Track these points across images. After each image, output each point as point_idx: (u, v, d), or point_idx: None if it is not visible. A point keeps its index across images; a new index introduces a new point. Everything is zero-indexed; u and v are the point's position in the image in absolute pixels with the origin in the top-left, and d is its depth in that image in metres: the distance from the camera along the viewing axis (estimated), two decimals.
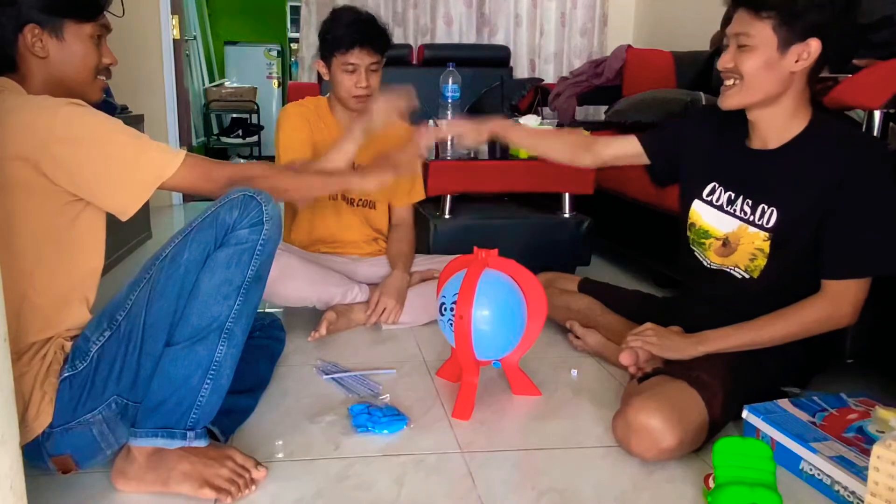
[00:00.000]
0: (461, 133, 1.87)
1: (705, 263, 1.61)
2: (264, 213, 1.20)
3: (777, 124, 1.47)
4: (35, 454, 1.18)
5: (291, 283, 1.99)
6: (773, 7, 1.36)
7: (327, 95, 2.22)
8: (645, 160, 1.76)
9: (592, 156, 1.81)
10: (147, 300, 1.18)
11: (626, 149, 1.78)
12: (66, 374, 1.19)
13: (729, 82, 1.46)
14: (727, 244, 1.56)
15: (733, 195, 1.56)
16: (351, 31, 2.00)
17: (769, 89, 1.42)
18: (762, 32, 1.38)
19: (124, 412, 1.21)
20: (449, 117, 2.60)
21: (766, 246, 1.49)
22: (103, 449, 1.22)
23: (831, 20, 1.35)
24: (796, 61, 1.38)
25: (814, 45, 1.36)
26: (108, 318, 1.21)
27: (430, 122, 2.67)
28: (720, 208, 1.58)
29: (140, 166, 1.17)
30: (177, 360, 1.19)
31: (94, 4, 1.24)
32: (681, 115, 2.75)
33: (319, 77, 2.49)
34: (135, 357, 1.19)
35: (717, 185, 1.59)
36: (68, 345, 1.22)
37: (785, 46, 1.38)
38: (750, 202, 1.52)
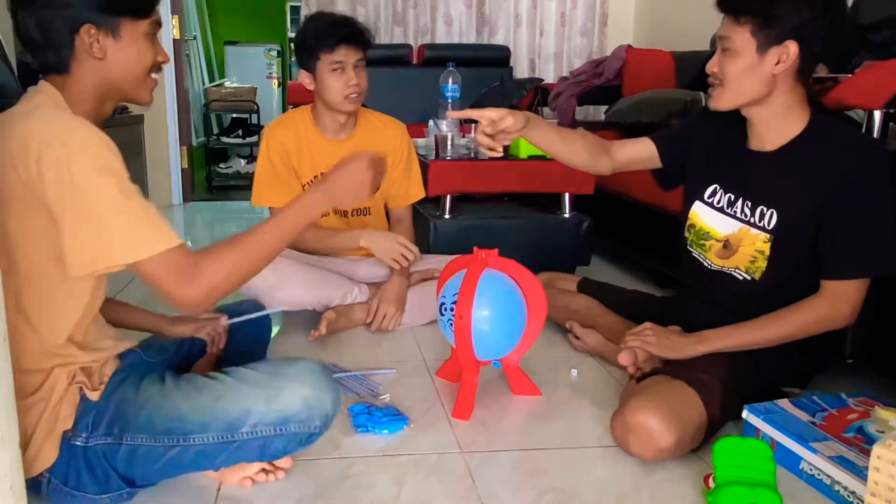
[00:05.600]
0: (503, 116, 1.53)
1: (706, 265, 1.61)
2: (312, 440, 1.21)
3: (772, 124, 1.48)
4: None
5: (290, 288, 1.97)
6: (750, 12, 1.38)
7: (311, 105, 2.17)
8: (657, 164, 1.72)
9: (610, 160, 1.71)
10: (157, 454, 1.15)
11: (641, 151, 1.72)
12: (75, 439, 1.12)
13: (715, 84, 1.48)
14: (728, 246, 1.56)
15: (733, 197, 1.56)
16: (334, 30, 2.00)
17: (752, 91, 1.43)
18: (741, 37, 1.40)
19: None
20: (448, 118, 2.59)
21: (767, 248, 1.48)
22: None
23: (809, 22, 1.36)
24: (776, 63, 1.39)
25: (792, 48, 1.37)
26: (117, 425, 1.14)
27: (430, 122, 2.68)
28: (721, 210, 1.58)
29: (114, 237, 1.02)
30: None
31: (147, 0, 1.16)
32: (681, 116, 2.75)
33: None
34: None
35: (717, 187, 1.60)
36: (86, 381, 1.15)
37: (763, 49, 1.39)
38: (750, 204, 1.52)
